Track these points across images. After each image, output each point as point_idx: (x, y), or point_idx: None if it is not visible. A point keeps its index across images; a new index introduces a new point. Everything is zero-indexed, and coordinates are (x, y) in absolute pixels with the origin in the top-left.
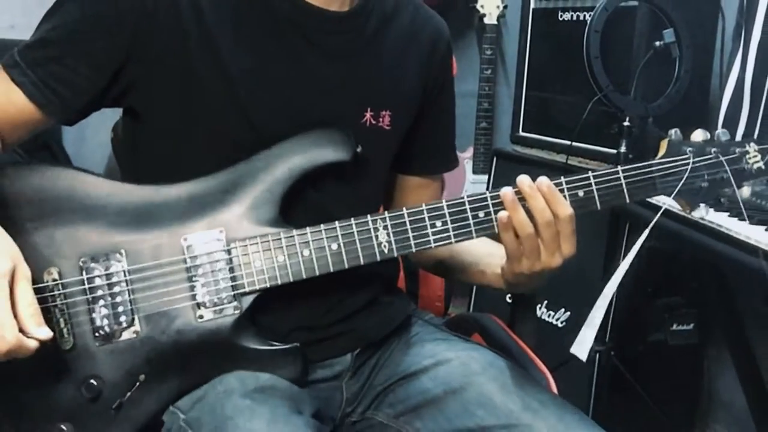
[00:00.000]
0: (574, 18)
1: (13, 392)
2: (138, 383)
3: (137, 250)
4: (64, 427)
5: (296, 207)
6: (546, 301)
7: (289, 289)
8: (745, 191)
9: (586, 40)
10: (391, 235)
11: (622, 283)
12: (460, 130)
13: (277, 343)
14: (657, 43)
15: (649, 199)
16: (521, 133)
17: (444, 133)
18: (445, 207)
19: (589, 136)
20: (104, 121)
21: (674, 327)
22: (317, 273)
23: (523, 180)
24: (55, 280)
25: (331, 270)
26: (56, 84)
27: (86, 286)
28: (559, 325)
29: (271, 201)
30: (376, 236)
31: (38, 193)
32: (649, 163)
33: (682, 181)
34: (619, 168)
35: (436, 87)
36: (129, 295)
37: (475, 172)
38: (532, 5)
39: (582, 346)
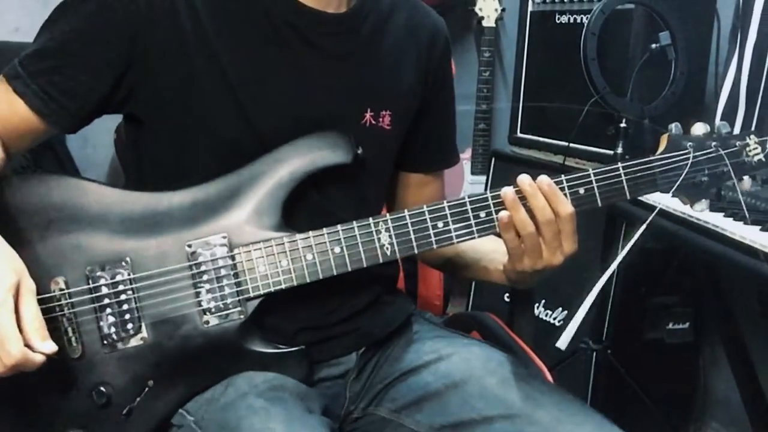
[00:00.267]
0: (571, 21)
1: (25, 401)
2: (147, 389)
3: (142, 257)
4: None
5: (299, 210)
6: (544, 300)
7: (295, 291)
8: (746, 184)
9: (583, 42)
10: (393, 237)
11: (619, 282)
12: (459, 132)
13: (282, 346)
14: (653, 46)
15: (644, 200)
16: (519, 135)
17: (445, 129)
18: (446, 208)
19: (586, 138)
20: (107, 122)
21: (670, 326)
22: (321, 276)
23: (524, 179)
24: (62, 289)
25: (335, 273)
26: (58, 94)
27: (93, 294)
28: (557, 323)
29: (273, 205)
30: (379, 238)
31: (43, 203)
32: (650, 159)
33: (682, 176)
34: (620, 165)
35: (435, 84)
36: (135, 303)
37: (473, 173)
38: (529, 8)
39: (565, 338)
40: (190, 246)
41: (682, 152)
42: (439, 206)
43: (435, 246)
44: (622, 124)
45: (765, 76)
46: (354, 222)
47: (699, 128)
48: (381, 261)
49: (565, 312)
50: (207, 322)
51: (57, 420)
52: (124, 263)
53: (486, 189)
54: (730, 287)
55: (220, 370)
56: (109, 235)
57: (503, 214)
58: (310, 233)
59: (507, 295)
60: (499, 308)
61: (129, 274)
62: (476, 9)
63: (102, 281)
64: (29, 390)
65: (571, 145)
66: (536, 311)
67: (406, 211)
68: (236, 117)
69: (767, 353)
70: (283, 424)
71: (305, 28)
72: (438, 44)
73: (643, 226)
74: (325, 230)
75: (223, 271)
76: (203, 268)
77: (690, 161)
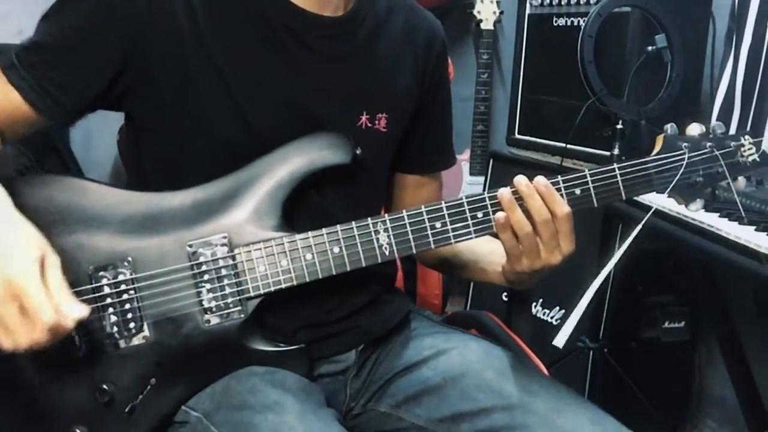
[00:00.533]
0: (569, 23)
1: (28, 399)
2: (149, 387)
3: (143, 257)
4: (79, 431)
5: (298, 211)
6: (541, 300)
7: (295, 290)
8: (741, 183)
9: (580, 44)
10: (392, 237)
11: (616, 281)
12: (457, 133)
13: (282, 344)
14: (649, 48)
15: (641, 200)
16: (517, 136)
17: (441, 131)
18: (444, 208)
19: (583, 139)
20: (111, 123)
21: (666, 324)
22: (320, 276)
23: (520, 180)
24: None
25: (334, 273)
26: (53, 89)
27: (95, 294)
28: (554, 322)
29: (273, 205)
30: (377, 238)
31: (46, 204)
32: (645, 159)
33: (678, 177)
34: (615, 165)
35: (432, 86)
36: (137, 302)
37: (472, 173)
38: (527, 11)
39: (561, 336)
40: (191, 246)
41: (677, 153)
42: (437, 207)
43: (433, 246)
44: (619, 126)
45: (760, 77)
46: (353, 222)
47: (694, 129)
48: (380, 261)
49: (563, 311)
50: (208, 321)
51: (61, 418)
52: (126, 263)
53: (484, 190)
54: (726, 287)
55: (221, 368)
56: (110, 236)
57: (500, 214)
58: (310, 233)
59: (505, 294)
60: (497, 307)
61: (131, 274)
62: (475, 12)
63: (104, 281)
64: (34, 388)
65: (569, 146)
66: (534, 310)
67: (404, 211)
68: (233, 118)
69: (762, 352)
70: (298, 418)
71: (302, 31)
72: (435, 47)
73: (639, 226)
74: (324, 230)
75: (223, 271)
76: (204, 267)
77: (685, 162)
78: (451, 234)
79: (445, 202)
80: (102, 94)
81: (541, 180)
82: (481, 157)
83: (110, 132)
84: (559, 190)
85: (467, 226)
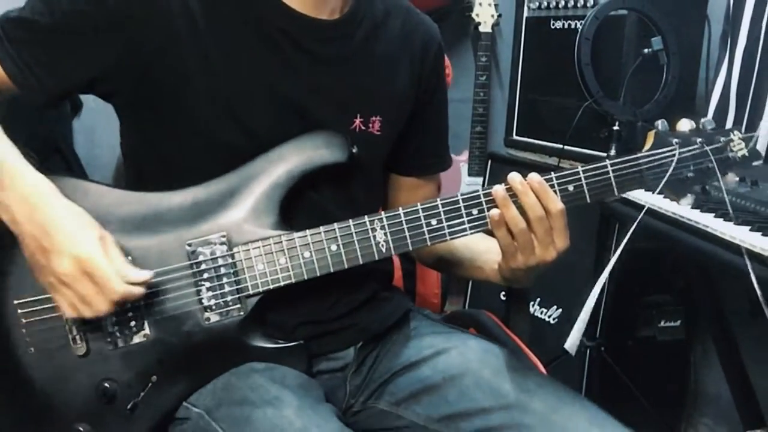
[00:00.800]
0: (566, 26)
1: (32, 398)
2: (150, 384)
3: (143, 256)
4: (81, 429)
5: (296, 209)
6: (539, 299)
7: (294, 287)
8: (730, 178)
9: (577, 47)
10: (389, 234)
11: (613, 281)
12: (456, 134)
13: (281, 341)
14: (645, 51)
15: (636, 200)
16: (515, 137)
17: (437, 134)
18: (439, 206)
19: (580, 140)
20: (114, 124)
21: (662, 323)
22: (318, 274)
23: (514, 177)
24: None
25: (332, 270)
26: (38, 69)
27: None
28: (552, 321)
29: (271, 204)
30: (374, 236)
31: None
32: (636, 156)
33: (669, 173)
34: (608, 162)
35: (428, 90)
36: (138, 301)
37: (470, 174)
38: (525, 14)
39: (572, 342)
40: (190, 245)
41: (668, 149)
42: (433, 204)
43: (429, 243)
44: (616, 127)
45: (754, 79)
46: (350, 220)
47: (685, 125)
48: (377, 258)
49: (560, 310)
50: (208, 319)
51: (64, 416)
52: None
53: None
54: (721, 286)
55: (221, 365)
56: (112, 235)
57: (494, 211)
58: (307, 232)
59: (503, 293)
60: (495, 306)
61: None
62: (473, 15)
63: None
64: (37, 387)
65: (566, 147)
66: (532, 309)
67: (400, 209)
68: (230, 120)
69: (757, 350)
70: (296, 413)
71: (298, 34)
72: (431, 50)
73: (634, 226)
74: (321, 228)
75: (222, 270)
76: (203, 266)
77: (676, 158)
78: (446, 231)
79: (441, 200)
80: (86, 84)
81: (534, 177)
82: (480, 158)
83: (114, 133)
84: (552, 186)
85: (462, 223)
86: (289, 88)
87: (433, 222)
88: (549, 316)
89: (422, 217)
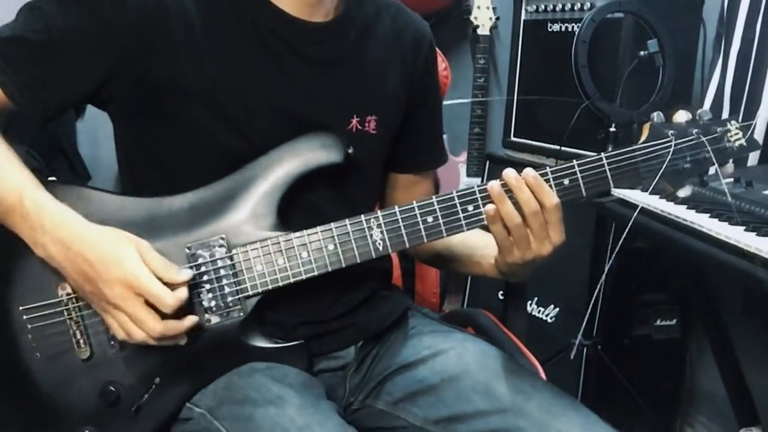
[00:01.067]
0: (563, 29)
1: (38, 401)
2: (154, 386)
3: None
4: (87, 431)
5: (294, 210)
6: (536, 298)
7: (294, 287)
8: (728, 169)
9: (574, 49)
10: (385, 232)
11: (609, 280)
12: (455, 135)
13: (281, 341)
14: (642, 53)
15: (631, 200)
16: (512, 138)
17: (432, 131)
18: (435, 203)
19: (577, 141)
20: None
21: (658, 322)
22: (316, 273)
23: (509, 173)
24: (69, 294)
25: (329, 269)
26: (37, 87)
27: None
28: (549, 320)
29: (269, 206)
30: (371, 235)
31: None
32: (632, 148)
33: (665, 165)
34: (603, 155)
35: (421, 88)
36: None
37: (468, 175)
38: (522, 17)
39: None
40: (189, 248)
41: (663, 140)
42: (429, 201)
43: (426, 240)
44: (612, 128)
45: (749, 81)
46: (346, 220)
47: (681, 116)
48: (374, 256)
49: (557, 309)
50: (209, 321)
51: (68, 418)
52: None
53: None
54: (716, 285)
55: (223, 365)
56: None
57: (489, 207)
58: (305, 232)
59: (501, 292)
60: (493, 305)
61: None
62: (471, 18)
63: None
64: (42, 391)
65: (563, 148)
66: (529, 308)
67: (396, 207)
68: (226, 125)
69: (751, 349)
70: (298, 410)
71: (293, 38)
72: (422, 48)
73: (629, 225)
74: (318, 228)
75: (222, 271)
76: (203, 269)
77: (672, 149)
78: (443, 228)
79: (437, 197)
80: (85, 98)
81: (529, 172)
82: (478, 159)
83: None
84: (547, 181)
85: (458, 220)
86: (286, 91)
87: (430, 219)
88: (546, 315)
89: (418, 215)
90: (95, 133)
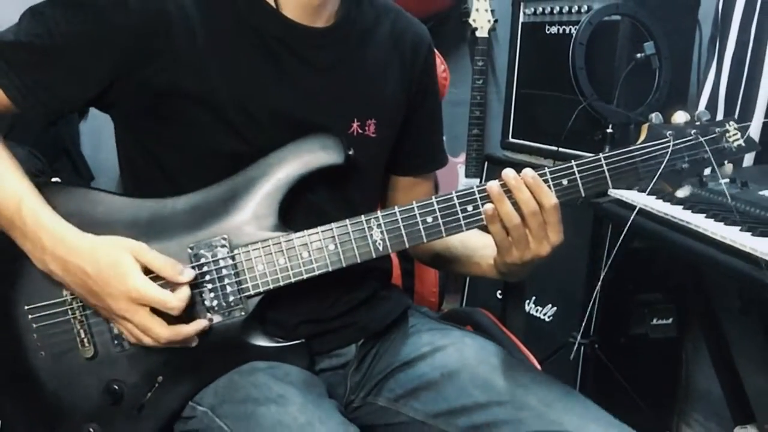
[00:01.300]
0: (561, 31)
1: (42, 400)
2: (157, 384)
3: None
4: (91, 429)
5: (295, 211)
6: (534, 297)
7: (295, 287)
8: (727, 169)
9: (571, 51)
10: (385, 233)
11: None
12: (454, 137)
13: (282, 340)
14: (638, 55)
15: (629, 200)
16: (511, 139)
17: (431, 133)
18: (435, 203)
19: (574, 142)
20: None
21: (654, 321)
22: (317, 273)
23: (508, 173)
24: (73, 294)
25: (330, 269)
26: (40, 91)
27: None
28: (547, 319)
29: (270, 207)
30: (371, 235)
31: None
32: (631, 148)
33: (663, 165)
34: (601, 155)
35: (420, 91)
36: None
37: (467, 176)
38: (521, 19)
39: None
40: (192, 248)
41: (662, 141)
42: (428, 202)
43: (425, 240)
44: (609, 130)
45: (743, 83)
46: (347, 220)
47: (680, 116)
48: (374, 256)
49: (555, 308)
50: (211, 320)
51: (73, 416)
52: None
53: None
54: (712, 285)
55: (224, 364)
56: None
57: (488, 206)
58: (306, 232)
59: (499, 292)
60: (492, 304)
61: None
62: (470, 20)
63: None
64: (47, 389)
65: (561, 149)
66: (527, 307)
67: (396, 207)
68: (228, 129)
69: (746, 348)
70: (300, 408)
71: (294, 43)
72: (421, 52)
73: (627, 227)
74: (319, 229)
75: (224, 271)
76: (205, 268)
77: (670, 149)
78: (442, 228)
79: (436, 197)
80: (87, 102)
81: (528, 172)
82: (477, 160)
83: None
84: (546, 181)
85: (458, 220)
86: (286, 96)
87: (429, 219)
88: (544, 314)
89: (418, 215)
90: (98, 134)
